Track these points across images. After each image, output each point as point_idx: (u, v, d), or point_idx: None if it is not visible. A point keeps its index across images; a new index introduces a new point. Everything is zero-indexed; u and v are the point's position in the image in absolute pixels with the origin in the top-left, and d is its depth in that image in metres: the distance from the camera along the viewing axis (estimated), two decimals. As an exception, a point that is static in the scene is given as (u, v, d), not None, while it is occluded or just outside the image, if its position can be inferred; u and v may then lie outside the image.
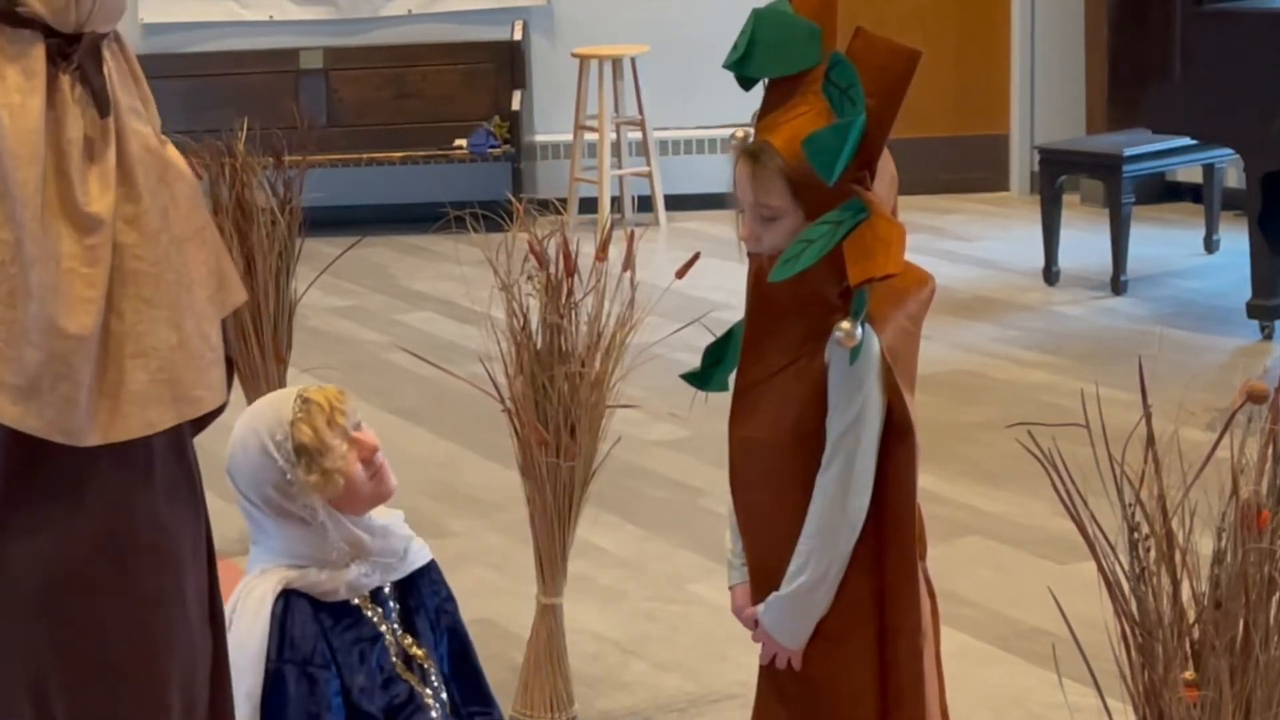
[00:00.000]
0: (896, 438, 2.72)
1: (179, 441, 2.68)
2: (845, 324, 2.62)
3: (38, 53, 2.52)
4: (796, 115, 2.68)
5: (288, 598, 2.81)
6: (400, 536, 2.97)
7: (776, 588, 2.78)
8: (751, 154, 2.72)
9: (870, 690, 2.76)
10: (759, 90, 2.83)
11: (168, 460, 2.67)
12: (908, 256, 2.80)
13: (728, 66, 2.78)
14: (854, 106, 2.63)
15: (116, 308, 2.53)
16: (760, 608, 2.82)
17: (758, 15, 2.74)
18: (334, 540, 2.85)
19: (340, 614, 2.86)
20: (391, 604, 2.95)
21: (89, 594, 2.61)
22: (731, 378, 2.83)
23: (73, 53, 2.54)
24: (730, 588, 2.95)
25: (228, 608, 2.82)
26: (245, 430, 2.91)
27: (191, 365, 2.60)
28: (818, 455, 2.70)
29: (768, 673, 2.87)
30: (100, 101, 2.54)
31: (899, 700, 2.76)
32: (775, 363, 2.75)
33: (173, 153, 2.68)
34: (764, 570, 2.84)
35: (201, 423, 2.74)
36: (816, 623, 2.75)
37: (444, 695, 2.96)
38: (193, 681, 2.70)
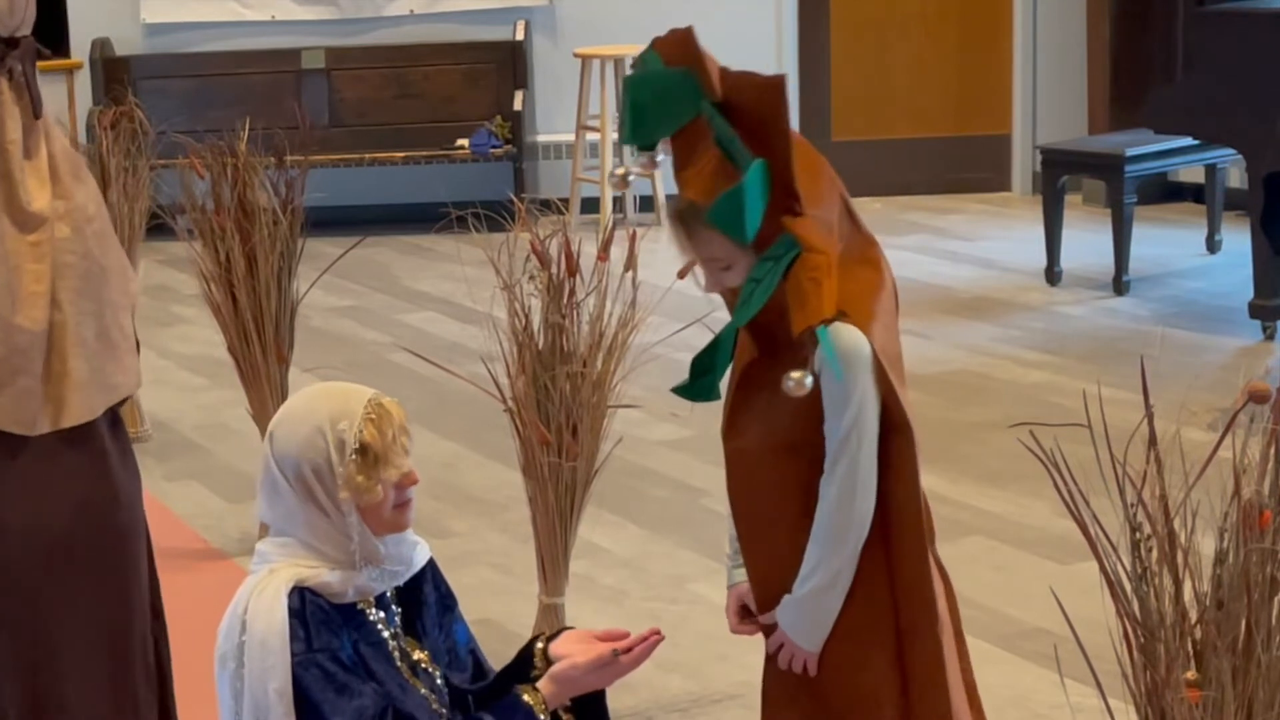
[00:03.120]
0: (895, 434, 2.72)
1: (115, 422, 2.76)
2: (795, 373, 2.63)
3: None
4: (706, 163, 2.69)
5: (302, 593, 2.80)
6: (409, 543, 2.97)
7: (782, 593, 2.79)
8: (680, 216, 2.74)
9: (890, 686, 2.77)
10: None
11: (111, 440, 2.75)
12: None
13: (624, 143, 2.78)
14: (745, 154, 2.64)
15: (56, 300, 2.61)
16: (775, 612, 2.82)
17: (630, 83, 2.74)
18: (352, 541, 2.84)
19: (347, 616, 2.86)
20: (394, 608, 2.95)
21: (71, 568, 2.67)
22: (723, 387, 2.83)
23: (8, 55, 2.59)
24: (729, 588, 2.95)
25: (235, 608, 2.83)
26: (304, 406, 2.89)
27: (113, 353, 2.71)
28: (814, 461, 2.71)
29: (778, 677, 2.87)
30: (36, 102, 2.61)
31: (920, 695, 2.76)
32: (764, 374, 2.75)
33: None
34: (767, 580, 2.84)
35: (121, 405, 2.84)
36: (832, 624, 2.75)
37: (446, 698, 2.96)
38: (160, 642, 2.82)
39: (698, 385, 2.85)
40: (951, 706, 2.76)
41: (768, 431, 2.74)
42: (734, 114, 2.66)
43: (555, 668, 2.93)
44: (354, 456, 2.82)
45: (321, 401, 2.87)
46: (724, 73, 2.67)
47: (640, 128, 2.73)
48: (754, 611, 2.92)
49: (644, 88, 2.72)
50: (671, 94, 2.69)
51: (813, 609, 2.75)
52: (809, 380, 2.63)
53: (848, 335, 2.66)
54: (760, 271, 2.65)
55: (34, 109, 2.61)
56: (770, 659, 2.86)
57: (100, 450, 2.74)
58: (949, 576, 2.90)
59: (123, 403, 2.86)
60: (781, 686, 2.87)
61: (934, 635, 2.75)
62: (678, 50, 2.70)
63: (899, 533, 2.74)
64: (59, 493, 2.68)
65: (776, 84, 2.62)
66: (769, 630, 2.85)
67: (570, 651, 2.96)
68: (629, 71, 2.80)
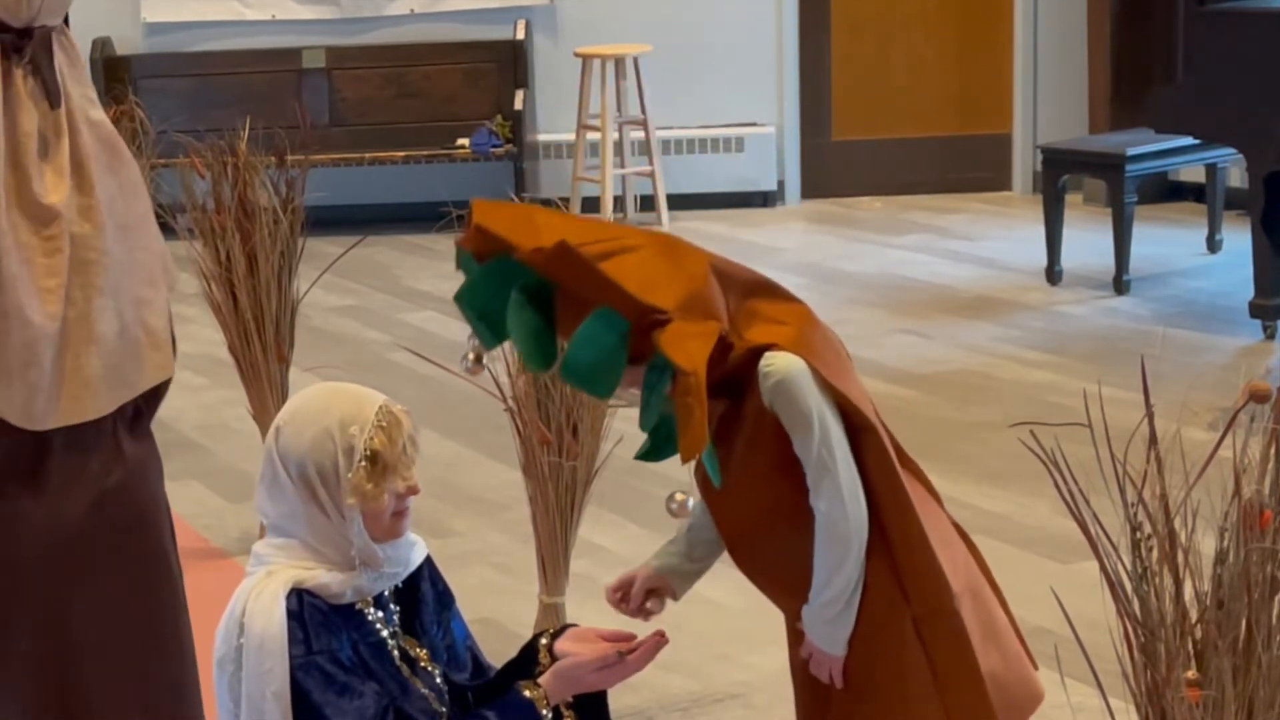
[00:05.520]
0: (860, 435, 2.75)
1: (137, 416, 2.74)
2: (680, 495, 2.67)
3: None
4: (571, 315, 2.70)
5: (300, 595, 2.79)
6: (407, 544, 2.97)
7: (801, 604, 2.81)
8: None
9: (921, 678, 2.77)
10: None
11: (129, 435, 2.74)
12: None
13: (490, 349, 2.79)
14: (552, 346, 2.70)
15: (70, 296, 2.59)
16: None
17: (462, 298, 2.74)
18: (352, 545, 2.84)
19: (346, 617, 2.85)
20: (393, 607, 2.94)
21: (90, 564, 2.66)
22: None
23: (25, 46, 2.57)
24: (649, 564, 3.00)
25: (233, 610, 2.82)
26: (314, 405, 2.87)
27: (130, 351, 2.68)
28: (796, 485, 2.72)
29: (810, 686, 2.88)
30: (51, 93, 2.59)
31: (951, 681, 2.77)
32: (734, 424, 2.78)
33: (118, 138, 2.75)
34: (785, 595, 2.88)
35: (157, 399, 2.81)
36: (852, 626, 2.76)
37: (446, 697, 2.95)
38: (188, 636, 2.78)
39: (665, 449, 2.88)
40: (982, 675, 2.77)
41: (746, 474, 2.77)
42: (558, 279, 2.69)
43: (559, 664, 2.92)
44: (363, 463, 2.81)
45: (333, 402, 2.86)
46: (529, 254, 2.66)
47: (498, 332, 2.75)
48: (632, 598, 2.99)
49: (475, 296, 2.73)
50: (502, 287, 2.70)
51: (831, 617, 2.77)
52: (691, 502, 2.67)
53: (781, 363, 2.69)
54: (651, 380, 2.69)
55: (50, 101, 2.59)
56: (803, 665, 2.87)
57: (116, 446, 2.72)
58: (969, 535, 2.91)
59: (153, 397, 2.82)
60: (813, 692, 2.88)
61: (949, 617, 2.76)
62: (483, 243, 2.70)
63: (893, 525, 2.75)
64: (75, 488, 2.67)
65: (561, 251, 2.63)
66: (799, 637, 2.87)
67: (574, 649, 2.96)
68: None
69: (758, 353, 2.70)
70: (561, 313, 2.70)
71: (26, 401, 2.57)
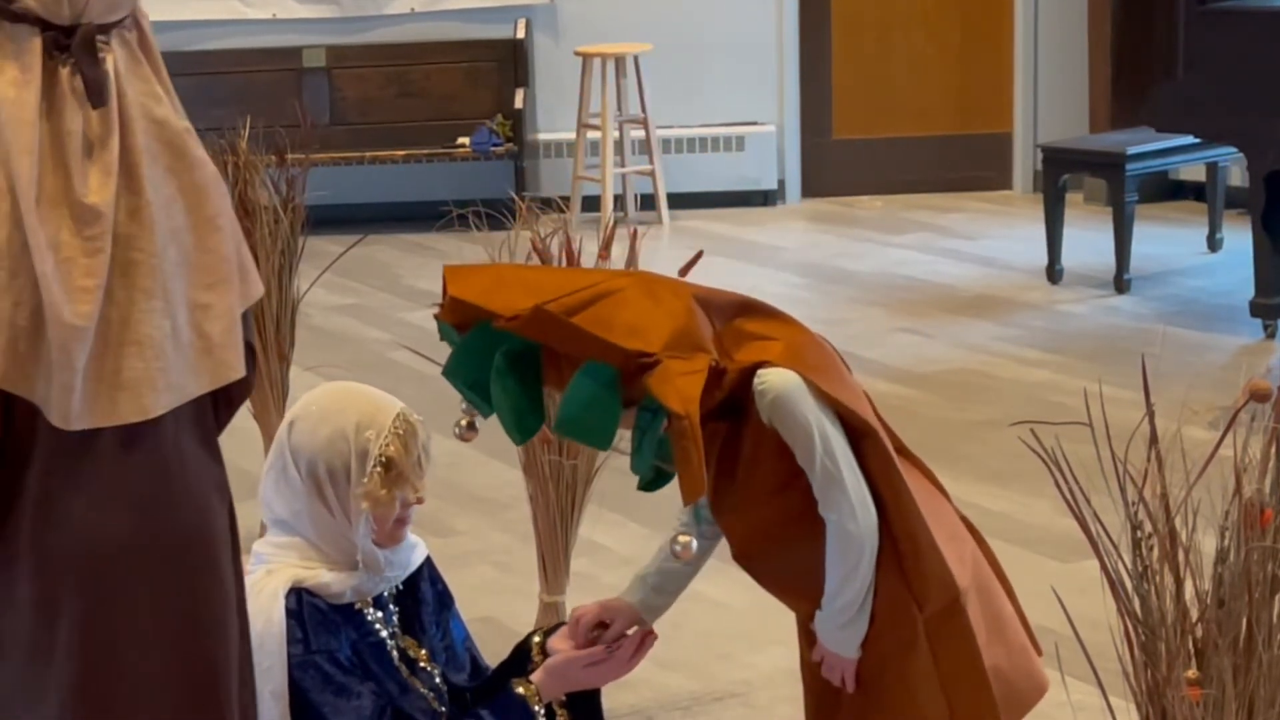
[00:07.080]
0: (861, 441, 2.75)
1: (198, 420, 2.71)
2: (683, 538, 2.69)
3: (34, 46, 2.54)
4: (560, 371, 2.72)
5: (299, 594, 2.79)
6: (407, 546, 2.97)
7: (815, 610, 2.82)
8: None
9: (926, 675, 2.78)
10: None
11: (192, 438, 2.70)
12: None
13: (487, 416, 2.82)
14: (535, 412, 2.75)
15: (113, 296, 2.56)
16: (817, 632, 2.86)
17: (451, 372, 2.77)
18: (356, 547, 2.83)
19: (345, 617, 2.85)
20: (392, 608, 2.94)
21: (131, 575, 2.64)
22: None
23: (70, 44, 2.55)
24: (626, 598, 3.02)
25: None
26: (331, 404, 2.86)
27: (180, 355, 2.63)
28: (804, 496, 2.73)
29: (821, 688, 2.88)
30: (93, 92, 2.56)
31: (956, 678, 2.78)
32: (735, 447, 2.79)
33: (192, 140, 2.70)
34: (796, 600, 2.89)
35: (231, 404, 2.76)
36: (865, 629, 2.77)
37: (445, 697, 2.96)
38: (234, 653, 2.73)
39: (661, 479, 2.89)
40: (986, 671, 2.78)
41: (754, 491, 2.77)
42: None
43: (550, 660, 2.93)
44: (378, 469, 2.81)
45: (350, 404, 2.85)
46: (508, 320, 2.68)
47: (490, 396, 2.76)
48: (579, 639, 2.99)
49: (461, 367, 2.75)
50: (488, 355, 2.71)
51: (844, 622, 2.79)
52: (694, 545, 2.71)
53: (775, 379, 2.69)
54: (643, 422, 2.72)
55: (91, 99, 2.57)
56: (813, 667, 2.88)
57: (173, 450, 2.68)
58: (976, 527, 2.92)
59: (226, 403, 2.79)
60: (824, 694, 2.89)
61: (957, 611, 2.78)
62: (461, 314, 2.71)
63: (898, 528, 2.76)
64: (123, 490, 2.64)
65: (536, 315, 2.64)
66: (811, 639, 2.87)
67: (565, 647, 2.97)
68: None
69: (751, 372, 2.70)
70: (549, 369, 2.71)
71: (61, 401, 2.56)
